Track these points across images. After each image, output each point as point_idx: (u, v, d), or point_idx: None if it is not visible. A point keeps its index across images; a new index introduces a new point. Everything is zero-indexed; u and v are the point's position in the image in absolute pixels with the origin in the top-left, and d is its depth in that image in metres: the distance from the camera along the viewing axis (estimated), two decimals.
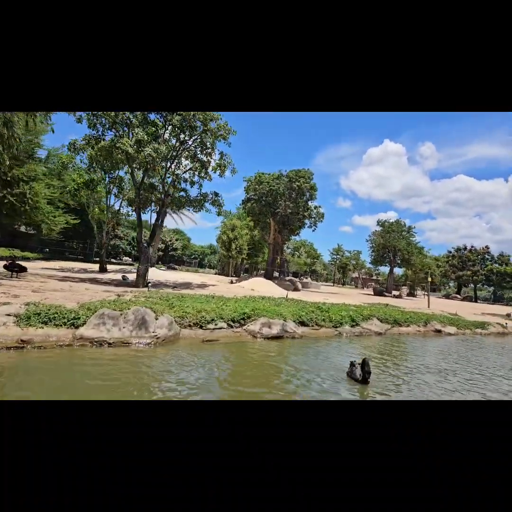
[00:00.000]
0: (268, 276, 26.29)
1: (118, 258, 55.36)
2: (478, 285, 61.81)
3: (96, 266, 23.48)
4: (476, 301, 55.57)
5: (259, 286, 16.82)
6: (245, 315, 8.48)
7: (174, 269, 46.49)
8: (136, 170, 13.30)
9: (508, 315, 21.86)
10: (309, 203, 27.99)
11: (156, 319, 6.68)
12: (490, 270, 54.62)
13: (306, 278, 34.85)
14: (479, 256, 57.11)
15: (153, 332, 6.33)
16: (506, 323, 16.63)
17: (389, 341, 10.01)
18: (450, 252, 60.99)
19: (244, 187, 25.13)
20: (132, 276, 15.67)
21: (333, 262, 64.19)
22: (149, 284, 12.81)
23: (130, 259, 55.26)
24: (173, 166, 13.25)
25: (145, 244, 12.94)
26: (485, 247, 57.91)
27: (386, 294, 35.45)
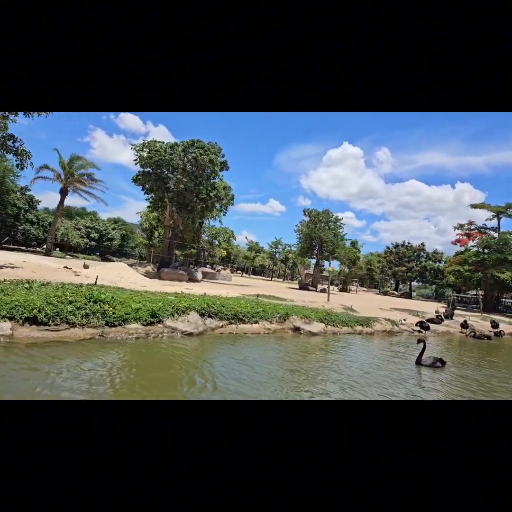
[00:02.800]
0: (164, 264, 22.42)
1: (31, 245, 48.48)
2: (420, 283, 62.68)
3: None
4: (410, 298, 55.88)
5: (102, 272, 12.92)
6: None
7: (111, 260, 41.54)
8: None
9: (436, 312, 20.32)
10: (215, 181, 24.51)
11: None
12: (424, 267, 55.06)
13: (225, 269, 31.42)
14: (414, 253, 57.47)
15: None
16: (403, 320, 14.27)
17: (167, 351, 6.31)
18: (389, 248, 61.04)
19: (135, 158, 20.96)
20: None
21: (271, 256, 61.70)
22: None
23: (56, 248, 48.73)
24: None
25: None
26: (421, 244, 58.48)
27: (311, 288, 33.14)
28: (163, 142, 21.13)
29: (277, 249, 57.99)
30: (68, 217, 70.39)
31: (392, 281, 67.66)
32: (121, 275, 12.49)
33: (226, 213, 24.97)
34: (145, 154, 20.37)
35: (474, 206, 34.79)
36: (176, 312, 7.75)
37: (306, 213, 34.05)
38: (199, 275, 22.04)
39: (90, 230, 65.46)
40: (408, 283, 60.70)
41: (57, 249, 50.64)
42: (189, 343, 6.97)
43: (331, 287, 50.80)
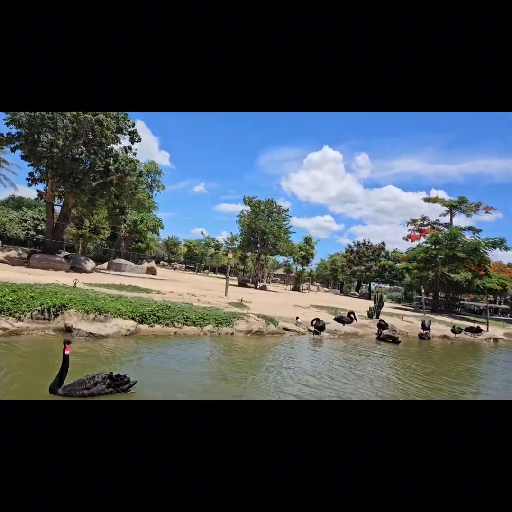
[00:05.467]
0: (46, 250, 18.34)
1: None
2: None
3: None
4: (369, 298, 53.71)
5: None
6: None
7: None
8: None
9: (370, 308, 17.63)
10: (128, 156, 20.72)
11: None
12: (383, 266, 53.13)
13: (149, 261, 27.49)
14: (374, 252, 55.50)
15: None
16: (297, 319, 11.05)
17: None
18: (350, 246, 58.89)
19: (5, 118, 16.78)
20: None
21: (226, 252, 58.13)
22: None
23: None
24: None
25: None
26: (381, 243, 56.64)
27: (249, 285, 29.86)
28: None
29: (233, 245, 54.43)
30: (17, 208, 64.58)
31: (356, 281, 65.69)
32: None
33: (136, 193, 21.09)
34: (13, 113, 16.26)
35: (427, 200, 32.65)
36: None
37: (247, 202, 30.56)
38: (89, 265, 18.15)
39: (38, 222, 60.12)
40: (371, 283, 58.72)
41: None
42: None
43: (284, 286, 47.75)
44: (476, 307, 51.95)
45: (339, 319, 12.16)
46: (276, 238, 29.60)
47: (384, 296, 74.33)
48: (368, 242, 56.87)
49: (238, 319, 8.74)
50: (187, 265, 69.66)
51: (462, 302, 47.21)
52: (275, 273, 68.56)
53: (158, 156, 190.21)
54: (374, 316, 15.35)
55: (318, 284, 65.65)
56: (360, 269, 53.52)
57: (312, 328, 10.47)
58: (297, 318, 11.17)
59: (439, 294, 39.24)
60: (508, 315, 49.58)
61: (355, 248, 57.60)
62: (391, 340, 11.05)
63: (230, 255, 15.84)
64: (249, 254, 58.90)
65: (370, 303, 32.41)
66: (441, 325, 19.05)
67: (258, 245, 30.79)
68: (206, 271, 67.76)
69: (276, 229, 30.26)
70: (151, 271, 26.29)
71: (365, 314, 15.97)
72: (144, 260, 27.09)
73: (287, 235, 31.33)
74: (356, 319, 12.22)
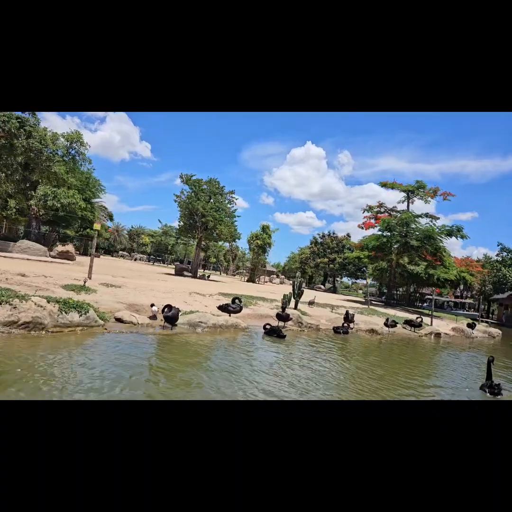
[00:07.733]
0: None
1: None
2: (372, 282, 58.47)
3: None
4: (335, 292, 51.82)
5: None
6: None
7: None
8: None
9: (311, 302, 15.36)
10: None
11: None
12: (346, 258, 51.11)
13: (64, 246, 23.73)
14: (339, 244, 53.40)
15: None
16: (152, 307, 8.06)
17: None
18: (315, 238, 56.55)
19: None
20: None
21: (185, 243, 54.66)
22: None
23: None
24: None
25: None
26: (346, 235, 54.61)
27: (186, 273, 26.73)
28: None
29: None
30: None
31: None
32: None
33: (48, 164, 17.45)
34: None
35: (383, 185, 30.34)
36: None
37: (184, 180, 27.13)
38: None
39: None
40: (339, 277, 56.74)
41: None
42: None
43: (240, 278, 44.82)
44: (444, 302, 50.85)
45: (223, 308, 9.28)
46: (216, 221, 26.47)
47: (360, 291, 72.09)
48: (333, 233, 54.73)
49: (0, 303, 5.62)
50: (152, 256, 65.39)
51: (429, 296, 45.78)
52: (251, 267, 65.56)
53: (140, 147, 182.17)
54: (291, 306, 12.57)
55: (283, 276, 63.22)
56: (324, 261, 51.32)
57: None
58: (152, 305, 8.19)
59: (369, 281, 37.43)
60: (472, 310, 48.75)
61: (320, 240, 55.33)
62: (276, 335, 8.29)
63: (96, 226, 12.62)
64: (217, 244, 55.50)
65: (330, 296, 30.10)
66: (380, 318, 16.65)
67: (199, 229, 27.58)
68: (175, 263, 63.80)
69: (218, 212, 27.11)
70: (65, 256, 22.74)
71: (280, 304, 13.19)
72: (58, 244, 23.38)
73: (232, 219, 28.27)
74: (240, 310, 9.33)
